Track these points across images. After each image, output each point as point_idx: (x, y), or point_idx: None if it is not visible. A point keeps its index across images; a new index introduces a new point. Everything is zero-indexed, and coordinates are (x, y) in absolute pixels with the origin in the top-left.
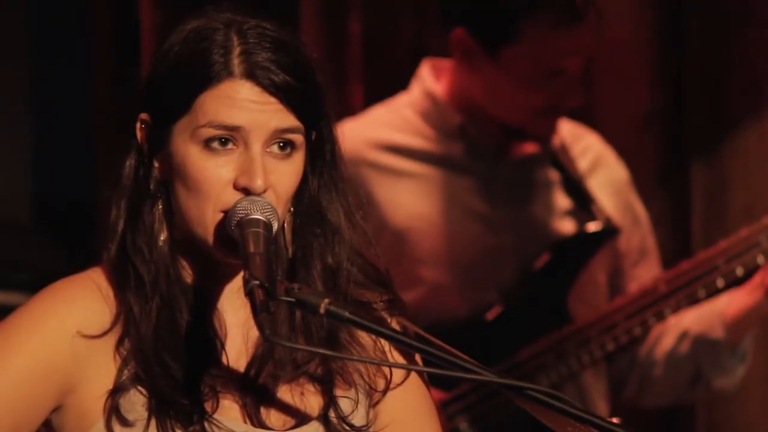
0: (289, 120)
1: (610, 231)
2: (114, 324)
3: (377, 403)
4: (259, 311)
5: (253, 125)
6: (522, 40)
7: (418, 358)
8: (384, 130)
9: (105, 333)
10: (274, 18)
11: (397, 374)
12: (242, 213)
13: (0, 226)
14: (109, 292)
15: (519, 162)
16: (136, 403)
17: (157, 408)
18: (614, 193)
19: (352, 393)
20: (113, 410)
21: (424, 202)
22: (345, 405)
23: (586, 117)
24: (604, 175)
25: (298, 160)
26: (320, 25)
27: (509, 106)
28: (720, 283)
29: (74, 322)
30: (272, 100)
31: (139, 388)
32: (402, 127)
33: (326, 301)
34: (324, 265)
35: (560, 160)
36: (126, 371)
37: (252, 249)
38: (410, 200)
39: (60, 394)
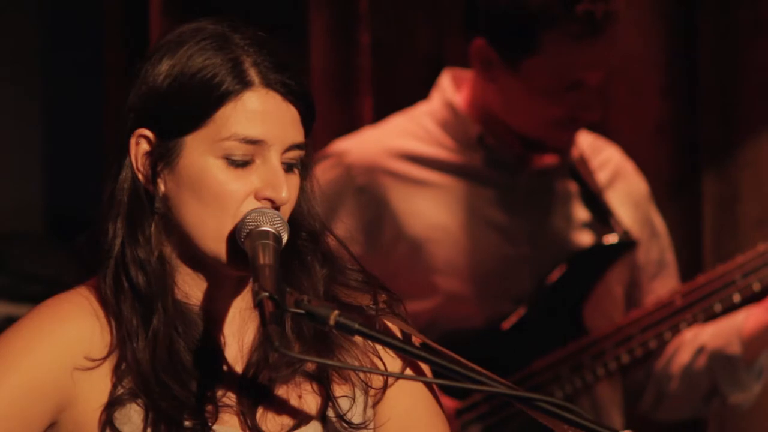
0: (300, 133)
1: (628, 244)
2: (111, 348)
3: (377, 402)
4: (268, 323)
5: (274, 139)
6: (542, 51)
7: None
8: (403, 139)
9: (103, 359)
10: (281, 29)
11: (393, 371)
12: (252, 225)
13: (13, 238)
14: (99, 309)
15: (538, 173)
16: (132, 416)
17: (156, 422)
18: (633, 206)
19: (348, 390)
20: (108, 423)
21: (443, 212)
22: (342, 403)
23: (598, 127)
24: (623, 188)
25: (297, 171)
26: (330, 37)
27: (528, 117)
28: (736, 298)
29: (67, 341)
30: (290, 108)
31: (137, 402)
32: (421, 137)
33: (335, 313)
34: (313, 270)
35: (579, 172)
36: (121, 387)
37: (261, 261)
38: (428, 210)
39: (55, 411)
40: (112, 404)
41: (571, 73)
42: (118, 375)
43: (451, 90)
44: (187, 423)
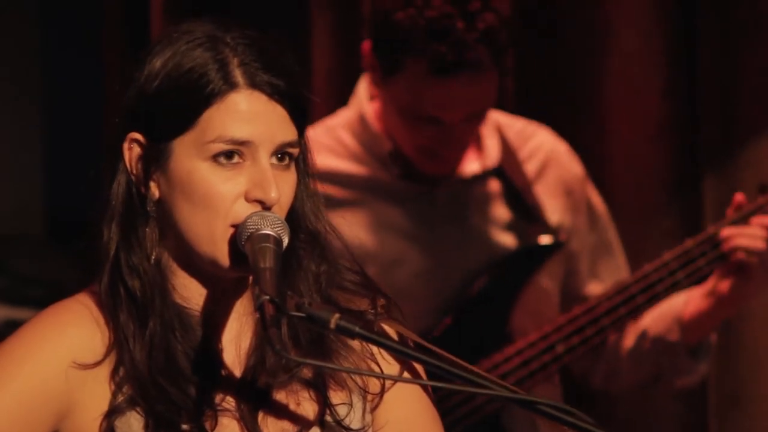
0: (291, 132)
1: (554, 245)
2: (108, 351)
3: (375, 407)
4: (269, 326)
5: (261, 139)
6: (404, 74)
7: (419, 366)
8: (319, 156)
9: (99, 363)
10: (283, 30)
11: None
12: (252, 228)
13: (13, 240)
14: (99, 316)
15: (458, 182)
16: (132, 424)
17: (155, 429)
18: (565, 193)
19: (345, 396)
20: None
21: (361, 231)
22: (340, 410)
23: (597, 128)
24: (554, 176)
25: (293, 169)
26: (332, 39)
27: (398, 134)
28: (664, 296)
29: (67, 348)
30: (277, 107)
31: (137, 409)
32: (338, 152)
33: (336, 316)
34: (308, 272)
35: (504, 170)
36: (121, 395)
37: (262, 264)
38: (346, 230)
39: (56, 420)
40: (112, 413)
41: (422, 106)
42: (117, 382)
43: (365, 99)
44: (184, 427)
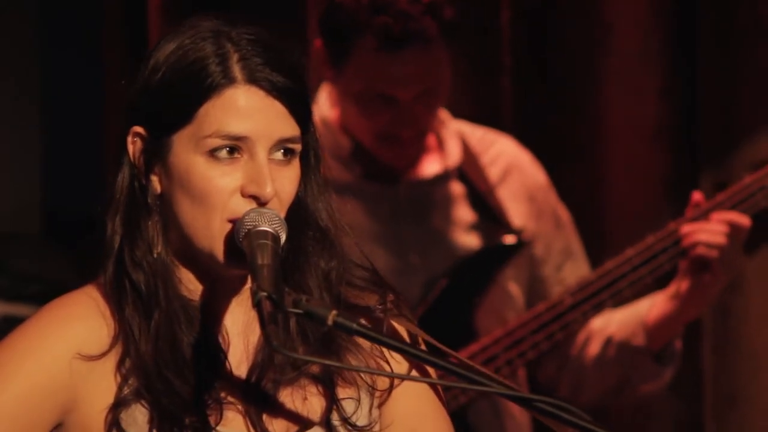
0: (290, 127)
1: (518, 245)
2: (113, 343)
3: (383, 403)
4: (267, 323)
5: (259, 134)
6: (352, 59)
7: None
8: None
9: (104, 354)
10: (280, 28)
11: (398, 372)
12: (250, 225)
13: (12, 239)
14: (106, 308)
15: (419, 182)
16: (138, 417)
17: (160, 422)
18: (529, 199)
19: (353, 392)
20: (114, 424)
21: None
22: (347, 406)
23: (595, 128)
24: (517, 182)
25: (296, 165)
26: None
27: (355, 127)
28: (627, 292)
29: (72, 341)
30: (276, 103)
31: (142, 402)
32: None
33: (334, 312)
34: (318, 269)
35: (466, 173)
36: (126, 387)
37: (260, 261)
38: None
39: (61, 413)
40: (118, 405)
41: (376, 85)
42: (122, 374)
43: (326, 105)
44: (188, 421)
